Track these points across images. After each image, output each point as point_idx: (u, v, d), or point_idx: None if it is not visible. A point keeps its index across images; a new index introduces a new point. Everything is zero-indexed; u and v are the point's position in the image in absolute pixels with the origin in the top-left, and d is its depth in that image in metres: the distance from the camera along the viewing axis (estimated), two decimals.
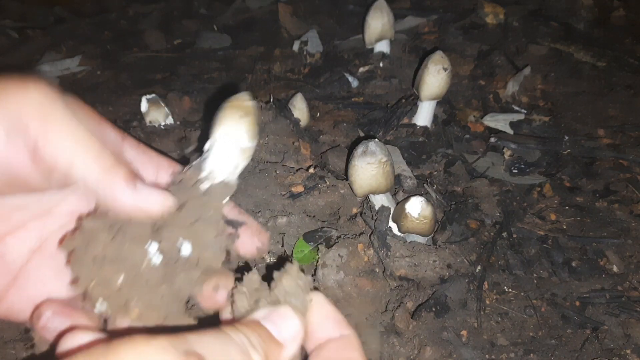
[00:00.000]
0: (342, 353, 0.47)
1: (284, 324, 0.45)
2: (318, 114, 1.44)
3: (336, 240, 1.03)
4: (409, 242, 1.09)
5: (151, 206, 0.49)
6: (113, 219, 0.49)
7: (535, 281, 1.09)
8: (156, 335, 0.35)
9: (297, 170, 1.17)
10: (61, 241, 0.50)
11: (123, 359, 0.33)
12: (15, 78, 0.46)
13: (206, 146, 0.54)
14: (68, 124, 0.46)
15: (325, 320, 0.49)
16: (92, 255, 0.47)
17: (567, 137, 1.40)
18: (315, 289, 0.51)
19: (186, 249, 0.50)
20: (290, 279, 0.48)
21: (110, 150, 0.48)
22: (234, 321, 0.44)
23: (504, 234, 1.17)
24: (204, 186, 0.52)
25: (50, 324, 0.50)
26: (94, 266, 0.47)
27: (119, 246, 0.48)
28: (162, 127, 1.32)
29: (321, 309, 0.49)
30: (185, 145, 1.26)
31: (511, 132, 1.41)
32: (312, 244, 1.02)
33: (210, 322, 0.50)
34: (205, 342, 0.37)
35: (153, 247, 0.48)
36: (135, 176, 0.48)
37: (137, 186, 0.48)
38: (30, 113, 0.45)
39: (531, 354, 0.96)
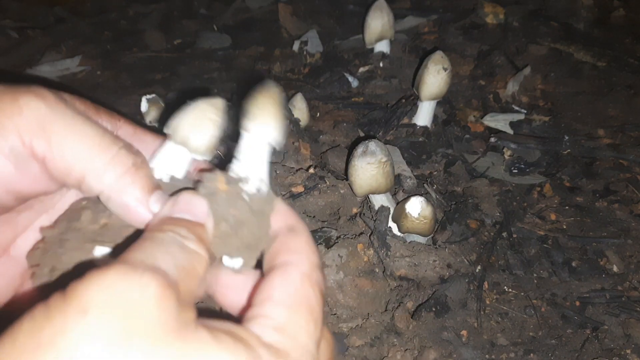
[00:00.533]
0: (287, 244, 0.45)
1: (192, 207, 0.44)
2: (318, 114, 1.44)
3: (336, 241, 1.03)
4: (409, 242, 1.09)
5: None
6: (68, 226, 0.46)
7: (535, 281, 1.09)
8: (104, 268, 0.34)
9: (297, 171, 1.17)
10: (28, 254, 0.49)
11: (90, 301, 0.32)
12: (5, 91, 0.43)
13: (240, 146, 0.50)
14: (73, 132, 0.43)
15: (276, 215, 0.48)
16: (49, 267, 0.46)
17: (567, 137, 1.40)
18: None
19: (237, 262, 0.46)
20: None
21: (125, 145, 0.46)
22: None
23: (504, 234, 1.17)
24: (247, 195, 0.47)
25: None
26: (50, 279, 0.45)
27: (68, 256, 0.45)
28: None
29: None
30: None
31: (511, 132, 1.41)
32: None
33: None
34: (147, 252, 0.37)
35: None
36: (152, 184, 0.46)
37: (153, 199, 0.45)
38: (31, 131, 0.42)
39: (531, 354, 0.96)
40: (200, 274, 0.39)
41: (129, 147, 0.46)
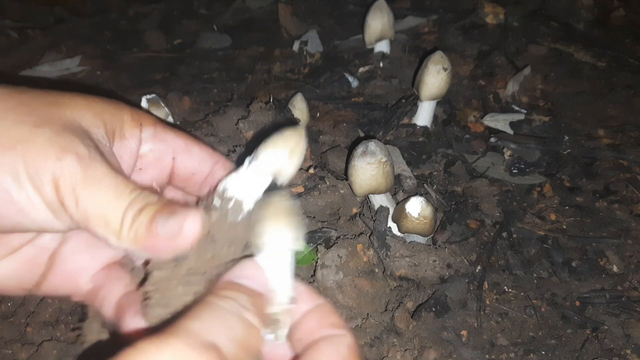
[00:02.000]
0: (323, 320, 0.50)
1: (255, 276, 0.48)
2: (318, 114, 1.44)
3: (335, 241, 1.03)
4: (409, 242, 1.09)
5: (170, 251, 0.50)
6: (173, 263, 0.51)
7: (535, 281, 1.09)
8: (163, 337, 0.37)
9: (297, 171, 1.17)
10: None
11: None
12: (50, 146, 0.48)
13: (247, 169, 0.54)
14: (97, 194, 0.48)
15: (297, 294, 0.51)
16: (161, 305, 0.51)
17: (567, 137, 1.40)
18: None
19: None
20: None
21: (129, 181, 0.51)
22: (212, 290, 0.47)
23: (504, 234, 1.17)
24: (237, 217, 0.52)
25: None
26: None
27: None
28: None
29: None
30: None
31: (511, 132, 1.41)
32: (311, 244, 1.02)
33: None
34: (205, 323, 0.40)
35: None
36: (157, 217, 0.49)
37: (157, 232, 0.49)
38: (65, 189, 0.48)
39: (531, 354, 0.96)
40: (257, 349, 0.43)
41: (138, 202, 0.50)
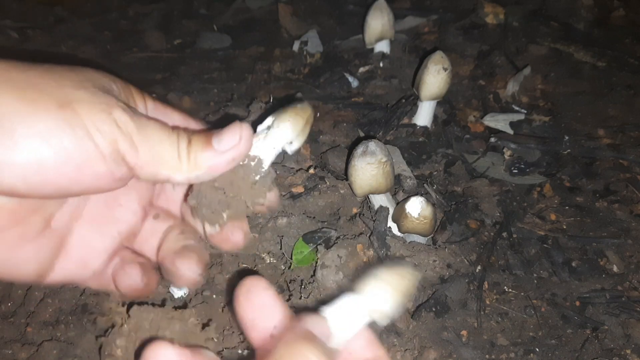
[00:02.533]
0: None
1: (320, 326, 0.49)
2: (318, 114, 1.44)
3: (335, 241, 1.03)
4: (409, 242, 1.09)
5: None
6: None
7: (535, 281, 1.09)
8: None
9: (297, 171, 1.17)
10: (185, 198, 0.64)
11: None
12: (98, 101, 0.51)
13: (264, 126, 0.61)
14: (151, 139, 0.53)
15: (359, 341, 0.52)
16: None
17: (567, 137, 1.40)
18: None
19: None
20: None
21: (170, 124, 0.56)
22: None
23: (504, 234, 1.17)
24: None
25: (139, 279, 0.63)
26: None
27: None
28: None
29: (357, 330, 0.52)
30: None
31: (511, 132, 1.41)
32: (311, 245, 1.02)
33: None
34: None
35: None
36: (208, 139, 0.56)
37: (214, 147, 0.55)
38: (123, 142, 0.51)
39: (531, 354, 0.96)
40: None
41: (184, 135, 0.56)
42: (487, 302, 1.05)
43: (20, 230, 0.55)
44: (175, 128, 0.55)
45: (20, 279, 0.59)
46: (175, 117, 0.64)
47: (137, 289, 0.63)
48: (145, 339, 0.79)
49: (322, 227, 1.06)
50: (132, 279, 0.62)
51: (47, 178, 0.49)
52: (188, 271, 0.62)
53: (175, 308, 0.85)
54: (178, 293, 0.91)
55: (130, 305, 0.84)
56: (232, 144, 0.55)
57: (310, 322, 0.48)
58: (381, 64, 1.59)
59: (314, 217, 1.09)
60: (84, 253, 0.61)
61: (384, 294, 0.50)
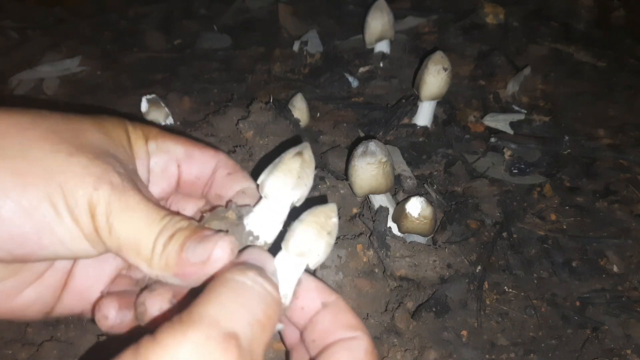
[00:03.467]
0: (337, 320, 0.50)
1: (264, 260, 0.49)
2: (318, 114, 1.44)
3: (335, 241, 1.02)
4: (409, 242, 1.09)
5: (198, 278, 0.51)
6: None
7: (535, 281, 1.09)
8: (182, 328, 0.39)
9: None
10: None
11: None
12: (83, 176, 0.49)
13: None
14: (129, 222, 0.49)
15: (307, 292, 0.52)
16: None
17: (567, 137, 1.40)
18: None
19: None
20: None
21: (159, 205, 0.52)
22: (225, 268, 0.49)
23: (504, 234, 1.17)
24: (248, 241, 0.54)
25: (116, 319, 0.58)
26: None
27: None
28: (162, 127, 1.32)
29: (301, 283, 0.53)
30: None
31: (511, 132, 1.41)
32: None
33: None
34: (225, 307, 0.41)
35: None
36: (185, 244, 0.50)
37: (188, 259, 0.49)
38: (99, 218, 0.49)
39: (531, 354, 0.96)
40: (274, 323, 0.44)
41: (170, 227, 0.50)
42: (487, 302, 1.05)
43: (19, 278, 0.55)
44: (168, 214, 0.51)
45: (28, 319, 0.60)
46: (179, 151, 0.61)
47: (110, 325, 0.57)
48: None
49: None
50: (106, 314, 0.58)
51: (32, 250, 0.49)
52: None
53: None
54: None
55: None
56: (200, 259, 0.49)
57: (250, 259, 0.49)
58: (381, 64, 1.59)
59: None
60: (86, 284, 0.61)
61: (310, 236, 0.51)
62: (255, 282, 0.44)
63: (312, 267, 0.52)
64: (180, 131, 1.30)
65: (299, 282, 0.52)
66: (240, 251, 0.50)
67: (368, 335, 0.49)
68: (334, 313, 0.51)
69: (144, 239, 0.49)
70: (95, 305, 0.58)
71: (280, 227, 0.54)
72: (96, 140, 0.52)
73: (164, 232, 0.49)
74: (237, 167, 0.62)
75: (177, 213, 0.52)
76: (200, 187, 0.63)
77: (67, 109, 0.56)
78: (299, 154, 0.54)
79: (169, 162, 0.60)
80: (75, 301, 0.60)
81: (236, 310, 0.41)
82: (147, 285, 0.55)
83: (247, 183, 0.61)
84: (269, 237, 0.54)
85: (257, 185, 0.56)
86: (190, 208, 0.65)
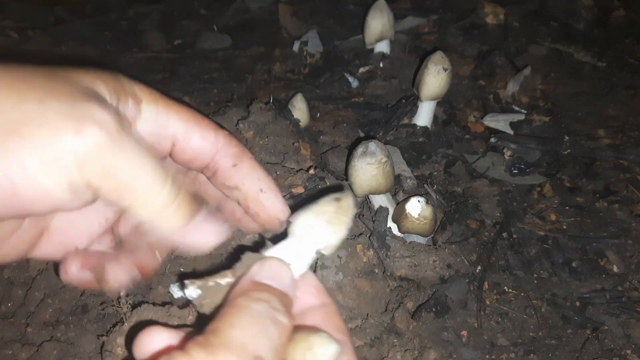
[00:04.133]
0: (327, 321, 0.50)
1: (279, 275, 0.48)
2: (318, 115, 1.44)
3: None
4: (409, 243, 1.09)
5: (202, 245, 0.50)
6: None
7: (535, 281, 1.09)
8: (213, 350, 0.39)
9: (297, 171, 1.17)
10: None
11: None
12: (69, 116, 0.42)
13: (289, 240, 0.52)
14: (128, 165, 0.43)
15: (306, 288, 0.52)
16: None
17: (567, 138, 1.40)
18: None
19: None
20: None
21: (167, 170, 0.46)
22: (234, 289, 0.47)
23: (504, 234, 1.17)
24: None
25: (76, 276, 0.55)
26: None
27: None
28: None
29: (302, 278, 0.52)
30: None
31: (511, 132, 1.41)
32: None
33: None
34: (247, 332, 0.41)
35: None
36: (193, 210, 0.47)
37: (191, 226, 0.47)
38: (90, 165, 0.42)
39: (531, 354, 0.96)
40: (286, 346, 0.44)
41: (175, 179, 0.46)
42: (487, 303, 1.05)
43: None
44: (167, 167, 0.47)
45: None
46: (175, 128, 0.54)
47: (69, 279, 0.55)
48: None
49: None
50: (67, 269, 0.56)
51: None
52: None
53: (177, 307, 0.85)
54: (178, 293, 0.91)
55: (131, 305, 0.84)
56: (199, 236, 0.48)
57: (258, 272, 0.48)
58: (381, 64, 1.59)
59: None
60: (66, 237, 0.56)
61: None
62: (269, 312, 0.43)
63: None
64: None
65: (303, 276, 0.52)
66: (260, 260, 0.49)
67: (351, 343, 0.51)
68: (326, 314, 0.51)
69: (149, 174, 0.43)
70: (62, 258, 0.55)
71: (304, 269, 0.51)
72: (80, 82, 0.45)
73: (173, 181, 0.45)
74: (242, 152, 0.57)
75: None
76: (195, 169, 0.58)
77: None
78: (337, 199, 0.51)
79: (162, 137, 0.53)
80: (54, 250, 0.56)
81: (258, 336, 0.41)
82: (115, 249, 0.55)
83: (256, 174, 0.57)
84: (295, 275, 0.51)
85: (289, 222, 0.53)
86: None
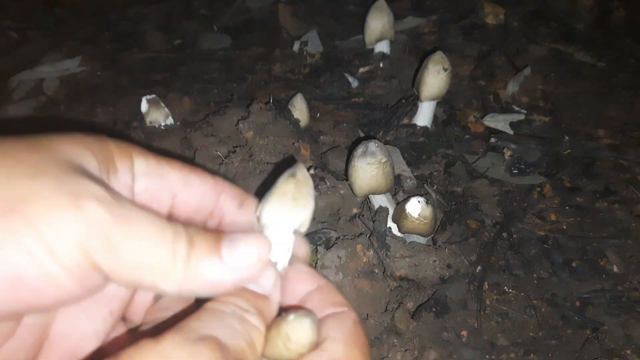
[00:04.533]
0: (325, 300, 0.50)
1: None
2: (318, 115, 1.44)
3: (335, 242, 1.03)
4: (409, 243, 1.09)
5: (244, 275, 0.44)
6: None
7: (535, 281, 1.09)
8: (162, 335, 0.37)
9: None
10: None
11: None
12: (65, 194, 0.37)
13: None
14: (135, 240, 0.39)
15: (299, 275, 0.51)
16: None
17: (567, 138, 1.40)
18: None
19: None
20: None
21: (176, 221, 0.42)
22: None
23: (504, 234, 1.17)
24: None
25: None
26: None
27: None
28: (162, 127, 1.32)
29: (293, 266, 0.51)
30: (186, 145, 1.26)
31: (511, 132, 1.41)
32: (311, 245, 1.02)
33: None
34: (204, 322, 0.39)
35: None
36: (217, 245, 0.42)
37: (224, 258, 0.42)
38: (94, 244, 0.38)
39: (531, 355, 0.96)
40: (258, 351, 0.42)
41: (182, 232, 0.42)
42: (487, 303, 1.05)
43: None
44: (171, 221, 0.42)
45: None
46: (175, 178, 0.49)
47: None
48: None
49: (322, 228, 1.06)
50: None
51: None
52: None
53: None
54: None
55: None
56: (246, 262, 0.42)
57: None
58: (381, 65, 1.59)
59: (314, 218, 1.08)
60: (70, 342, 0.49)
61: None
62: (236, 312, 0.42)
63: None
64: (179, 132, 1.30)
65: (292, 265, 0.51)
66: None
67: (354, 312, 0.49)
68: (322, 293, 0.50)
69: (158, 247, 0.39)
70: None
71: (288, 255, 0.49)
72: (64, 154, 0.40)
73: (179, 238, 0.40)
74: (245, 195, 0.54)
75: (176, 220, 0.44)
76: (200, 221, 0.53)
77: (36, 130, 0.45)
78: (292, 175, 0.49)
79: (161, 189, 0.49)
80: (60, 355, 0.48)
81: (216, 325, 0.40)
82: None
83: None
84: (278, 267, 0.49)
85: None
86: None
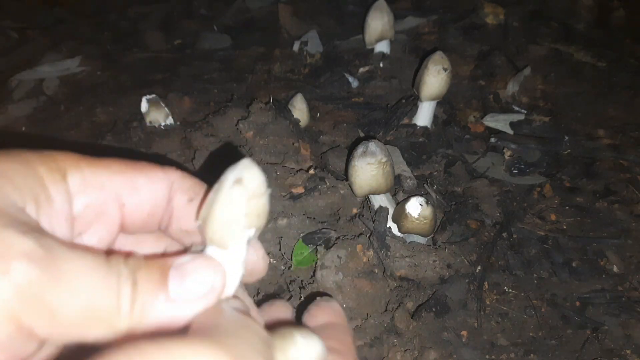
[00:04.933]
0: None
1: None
2: (318, 115, 1.44)
3: (335, 242, 1.03)
4: (409, 243, 1.09)
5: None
6: None
7: (535, 281, 1.09)
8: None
9: (297, 172, 1.17)
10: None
11: None
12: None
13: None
14: (71, 294, 0.35)
15: (324, 311, 0.50)
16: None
17: (567, 138, 1.40)
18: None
19: None
20: None
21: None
22: None
23: (504, 234, 1.17)
24: None
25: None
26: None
27: None
28: (162, 127, 1.32)
29: (326, 302, 0.50)
30: (186, 145, 1.26)
31: (511, 132, 1.41)
32: (311, 246, 1.02)
33: None
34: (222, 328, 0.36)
35: None
36: (163, 278, 0.38)
37: (172, 294, 0.38)
38: (27, 309, 0.34)
39: (531, 355, 0.96)
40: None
41: (125, 272, 0.37)
42: (487, 303, 1.05)
43: None
44: (112, 257, 0.37)
45: None
46: (115, 185, 0.43)
47: None
48: None
49: (322, 228, 1.06)
50: None
51: None
52: None
53: None
54: None
55: None
56: (197, 293, 0.38)
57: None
58: (381, 64, 1.59)
59: (314, 218, 1.09)
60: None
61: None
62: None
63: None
64: (179, 132, 1.30)
65: (327, 300, 0.50)
66: None
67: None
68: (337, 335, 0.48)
69: (100, 297, 0.35)
70: None
71: (240, 272, 0.42)
72: None
73: (123, 282, 0.36)
74: (198, 186, 0.47)
75: (116, 252, 0.38)
76: (155, 224, 0.47)
77: None
78: (238, 182, 0.40)
79: (106, 201, 0.43)
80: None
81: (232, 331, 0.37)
82: None
83: None
84: (228, 290, 0.41)
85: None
86: (148, 247, 0.49)
